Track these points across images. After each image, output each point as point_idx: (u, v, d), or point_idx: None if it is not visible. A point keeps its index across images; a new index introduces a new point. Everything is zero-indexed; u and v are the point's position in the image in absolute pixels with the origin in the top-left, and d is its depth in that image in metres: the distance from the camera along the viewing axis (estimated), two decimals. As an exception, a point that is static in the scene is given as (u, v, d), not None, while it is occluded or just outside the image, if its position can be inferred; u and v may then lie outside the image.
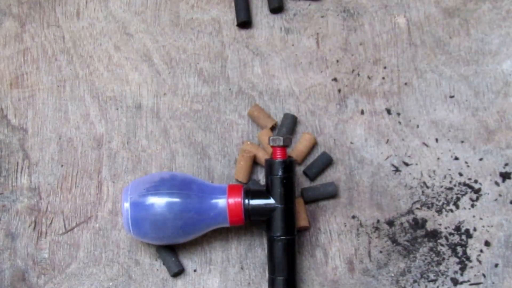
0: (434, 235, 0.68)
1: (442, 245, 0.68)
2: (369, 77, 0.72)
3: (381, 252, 0.68)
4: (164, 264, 0.67)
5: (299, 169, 0.70)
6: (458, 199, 0.69)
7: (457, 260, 0.67)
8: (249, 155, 0.68)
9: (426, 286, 0.67)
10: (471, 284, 0.67)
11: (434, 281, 0.67)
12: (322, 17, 0.74)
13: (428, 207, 0.69)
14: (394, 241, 0.68)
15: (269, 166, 0.63)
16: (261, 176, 0.70)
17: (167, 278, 0.67)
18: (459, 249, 0.68)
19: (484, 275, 0.67)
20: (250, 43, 0.74)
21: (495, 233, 0.68)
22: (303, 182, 0.70)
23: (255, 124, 0.71)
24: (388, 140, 0.71)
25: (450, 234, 0.68)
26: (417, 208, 0.69)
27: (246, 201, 0.63)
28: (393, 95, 0.72)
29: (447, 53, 0.73)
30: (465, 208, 0.69)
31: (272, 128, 0.70)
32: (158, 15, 0.75)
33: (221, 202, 0.63)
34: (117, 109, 0.72)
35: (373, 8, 0.74)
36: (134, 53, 0.74)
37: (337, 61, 0.73)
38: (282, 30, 0.74)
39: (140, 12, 0.75)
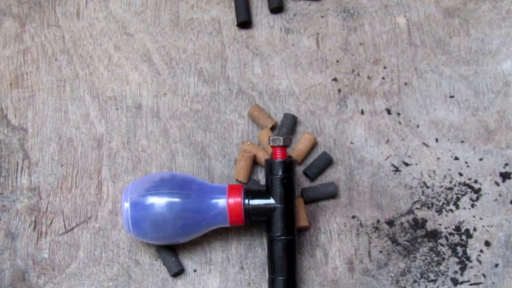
0: (434, 235, 0.68)
1: (442, 245, 0.68)
2: (369, 77, 0.72)
3: (381, 252, 0.68)
4: (164, 264, 0.67)
5: (299, 169, 0.70)
6: (458, 199, 0.69)
7: (457, 260, 0.67)
8: (249, 155, 0.68)
9: (426, 286, 0.67)
10: (471, 284, 0.67)
11: (434, 281, 0.67)
12: (322, 17, 0.74)
13: (428, 207, 0.69)
14: (394, 241, 0.68)
15: (269, 166, 0.63)
16: (261, 176, 0.70)
17: (167, 278, 0.67)
18: (459, 249, 0.68)
19: (484, 275, 0.67)
20: (250, 43, 0.74)
21: (495, 233, 0.68)
22: (303, 182, 0.70)
23: (255, 124, 0.71)
24: (388, 140, 0.71)
25: (450, 234, 0.68)
26: (417, 208, 0.69)
27: (246, 201, 0.63)
28: (393, 95, 0.72)
29: (447, 53, 0.73)
30: (465, 208, 0.69)
31: (272, 128, 0.70)
32: (158, 15, 0.75)
33: (221, 202, 0.63)
34: (117, 109, 0.72)
35: (373, 8, 0.74)
36: (134, 53, 0.74)
37: (337, 61, 0.73)
38: (282, 30, 0.74)
39: (140, 12, 0.75)
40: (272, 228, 0.63)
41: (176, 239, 0.64)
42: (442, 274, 0.67)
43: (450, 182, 0.69)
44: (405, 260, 0.68)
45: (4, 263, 0.68)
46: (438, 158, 0.70)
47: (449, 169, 0.70)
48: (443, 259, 0.68)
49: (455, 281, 0.67)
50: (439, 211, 0.69)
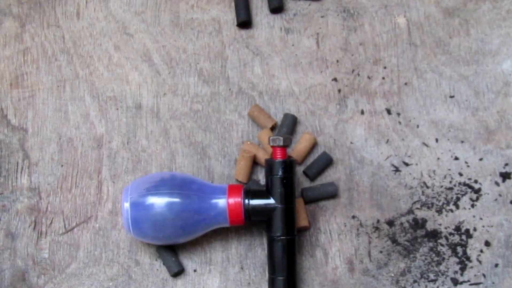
0: (434, 235, 0.68)
1: (442, 245, 0.68)
2: (369, 77, 0.72)
3: (381, 252, 0.68)
4: (164, 264, 0.67)
5: (299, 169, 0.70)
6: (458, 199, 0.69)
7: (457, 260, 0.67)
8: (249, 155, 0.68)
9: (426, 286, 0.67)
10: (471, 284, 0.67)
11: (434, 281, 0.67)
12: (322, 17, 0.74)
13: (428, 207, 0.69)
14: (394, 241, 0.68)
15: (269, 166, 0.63)
16: (261, 176, 0.70)
17: (167, 278, 0.67)
18: (459, 249, 0.68)
19: (484, 275, 0.67)
20: (250, 43, 0.74)
21: (495, 233, 0.68)
22: (303, 182, 0.70)
23: (255, 124, 0.71)
24: (388, 140, 0.71)
25: (450, 234, 0.68)
26: (417, 208, 0.69)
27: (246, 201, 0.63)
28: (393, 95, 0.72)
29: (447, 53, 0.73)
30: (465, 208, 0.69)
31: (272, 128, 0.70)
32: (158, 15, 0.75)
33: (221, 202, 0.63)
34: (117, 109, 0.72)
35: (373, 8, 0.74)
36: (134, 53, 0.74)
37: (337, 61, 0.73)
38: (282, 30, 0.74)
39: (140, 12, 0.75)
40: (272, 228, 0.63)
41: (176, 239, 0.64)
42: (442, 274, 0.67)
43: (450, 182, 0.69)
44: (405, 260, 0.68)
45: (4, 263, 0.68)
46: (438, 158, 0.70)
47: (449, 169, 0.70)
48: (443, 259, 0.68)
49: (455, 281, 0.67)
50: (439, 211, 0.69)
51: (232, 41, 0.74)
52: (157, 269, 0.68)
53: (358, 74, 0.72)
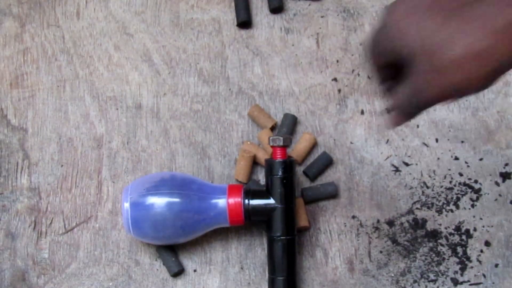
0: (434, 235, 0.68)
1: (442, 245, 0.68)
2: (369, 77, 0.72)
3: (381, 252, 0.68)
4: (164, 264, 0.67)
5: (299, 169, 0.70)
6: (458, 199, 0.69)
7: (457, 260, 0.67)
8: (249, 155, 0.68)
9: (426, 286, 0.67)
10: (471, 284, 0.67)
11: (434, 281, 0.67)
12: (322, 17, 0.74)
13: (428, 207, 0.69)
14: (394, 241, 0.68)
15: (269, 166, 0.63)
16: (261, 176, 0.70)
17: (167, 278, 0.67)
18: (459, 249, 0.68)
19: (484, 275, 0.67)
20: (250, 43, 0.74)
21: (495, 233, 0.68)
22: (303, 182, 0.70)
23: (255, 124, 0.71)
24: (388, 140, 0.71)
25: (450, 234, 0.68)
26: (417, 208, 0.69)
27: (246, 201, 0.63)
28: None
29: (447, 53, 0.72)
30: (465, 208, 0.69)
31: (272, 128, 0.70)
32: (158, 15, 0.75)
33: (221, 202, 0.63)
34: (117, 109, 0.72)
35: (373, 8, 0.74)
36: (134, 53, 0.74)
37: (337, 61, 0.73)
38: (282, 30, 0.74)
39: (140, 12, 0.75)
40: (272, 228, 0.63)
41: (176, 239, 0.64)
42: (442, 274, 0.67)
43: (450, 182, 0.69)
44: (405, 260, 0.67)
45: (4, 263, 0.68)
46: (438, 158, 0.70)
47: (449, 169, 0.70)
48: (443, 259, 0.68)
49: (455, 281, 0.67)
50: (439, 211, 0.69)
51: (232, 41, 0.74)
52: (157, 269, 0.68)
53: (358, 74, 0.72)
